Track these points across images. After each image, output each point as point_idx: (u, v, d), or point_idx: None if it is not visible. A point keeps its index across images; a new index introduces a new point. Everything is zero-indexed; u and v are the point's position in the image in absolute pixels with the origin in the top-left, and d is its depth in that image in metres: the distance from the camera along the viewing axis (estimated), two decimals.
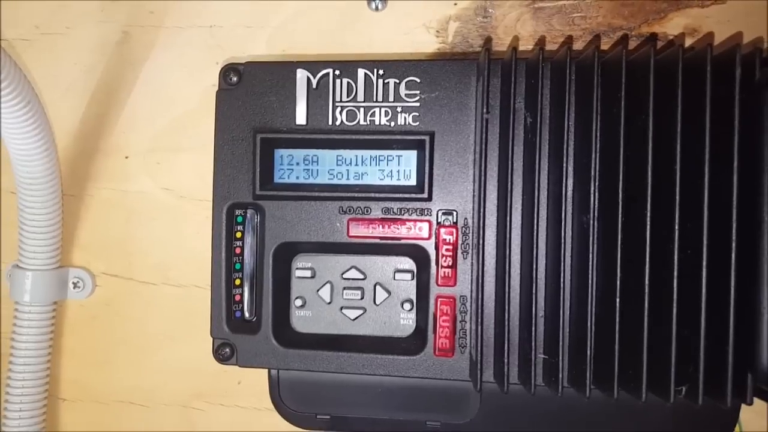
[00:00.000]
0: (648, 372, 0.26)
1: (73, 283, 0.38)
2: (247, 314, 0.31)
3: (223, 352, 0.31)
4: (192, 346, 0.36)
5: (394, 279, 0.31)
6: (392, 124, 0.29)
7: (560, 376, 0.27)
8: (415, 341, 0.30)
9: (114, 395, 0.38)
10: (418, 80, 0.29)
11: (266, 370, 0.33)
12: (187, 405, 0.38)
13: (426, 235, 0.29)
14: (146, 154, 0.37)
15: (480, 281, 0.28)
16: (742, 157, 0.25)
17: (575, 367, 0.27)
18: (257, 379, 0.34)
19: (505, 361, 0.27)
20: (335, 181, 0.30)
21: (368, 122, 0.29)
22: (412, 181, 0.30)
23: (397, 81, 0.29)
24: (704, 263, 0.25)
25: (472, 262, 0.29)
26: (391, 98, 0.29)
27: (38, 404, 0.36)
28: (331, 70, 0.29)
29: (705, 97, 0.25)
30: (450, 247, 0.29)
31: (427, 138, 0.29)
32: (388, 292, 0.31)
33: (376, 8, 0.33)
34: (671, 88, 0.25)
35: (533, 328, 0.27)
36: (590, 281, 0.26)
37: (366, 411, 0.32)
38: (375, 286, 0.31)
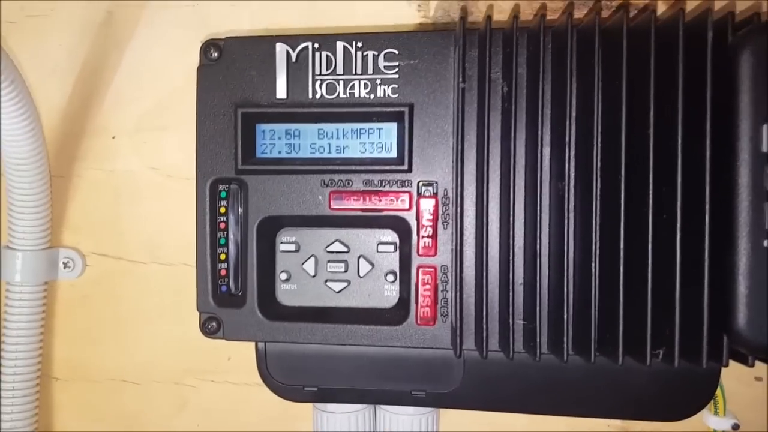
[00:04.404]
0: (624, 336, 0.26)
1: (64, 263, 0.38)
2: (232, 288, 0.31)
3: (210, 326, 0.31)
4: (182, 323, 0.37)
5: (378, 251, 0.31)
6: (372, 96, 0.29)
7: (538, 341, 0.27)
8: (399, 311, 0.31)
9: (106, 373, 0.39)
10: (397, 52, 0.29)
11: (254, 345, 0.33)
12: (179, 382, 0.39)
13: (406, 207, 0.30)
14: (133, 133, 0.37)
15: (459, 250, 0.28)
16: (715, 121, 0.25)
17: (554, 333, 0.28)
18: (247, 354, 0.34)
19: (484, 327, 0.28)
20: (317, 155, 0.30)
21: (348, 95, 0.30)
22: (393, 154, 0.30)
23: (376, 53, 0.29)
24: (678, 227, 0.25)
25: (452, 232, 0.29)
26: (370, 71, 0.29)
27: (31, 383, 0.37)
28: (310, 44, 0.29)
29: (677, 62, 0.25)
30: (430, 217, 0.29)
31: (406, 110, 0.29)
32: (372, 264, 0.31)
33: None
34: (644, 54, 0.26)
35: (511, 295, 0.28)
36: (567, 247, 0.27)
37: (352, 382, 0.32)
38: (359, 259, 0.31)
